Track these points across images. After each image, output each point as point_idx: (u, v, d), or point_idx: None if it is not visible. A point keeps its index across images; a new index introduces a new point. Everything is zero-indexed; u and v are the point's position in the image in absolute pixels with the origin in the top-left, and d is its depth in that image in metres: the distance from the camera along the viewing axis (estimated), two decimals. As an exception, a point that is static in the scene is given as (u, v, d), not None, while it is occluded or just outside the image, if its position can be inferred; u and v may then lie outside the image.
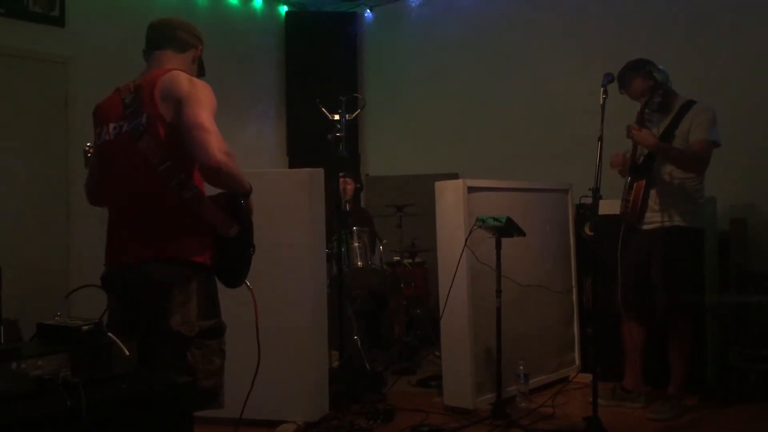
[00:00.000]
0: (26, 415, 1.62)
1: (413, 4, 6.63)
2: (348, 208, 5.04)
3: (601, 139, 3.37)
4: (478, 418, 3.71)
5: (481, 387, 3.89)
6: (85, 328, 1.88)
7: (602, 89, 3.41)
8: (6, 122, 4.81)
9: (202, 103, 2.23)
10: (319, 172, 3.80)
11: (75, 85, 5.12)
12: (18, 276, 4.20)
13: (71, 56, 5.15)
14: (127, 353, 1.89)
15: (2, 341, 1.85)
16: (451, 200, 3.95)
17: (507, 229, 3.66)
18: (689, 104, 3.78)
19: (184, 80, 2.27)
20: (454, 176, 5.07)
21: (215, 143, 2.16)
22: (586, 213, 4.53)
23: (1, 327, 1.86)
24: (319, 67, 6.65)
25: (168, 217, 2.26)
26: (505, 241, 3.75)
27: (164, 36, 2.44)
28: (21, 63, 4.90)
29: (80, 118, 4.73)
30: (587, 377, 4.04)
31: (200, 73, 2.54)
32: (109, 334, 1.90)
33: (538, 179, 4.74)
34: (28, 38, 4.96)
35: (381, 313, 5.23)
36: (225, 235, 2.29)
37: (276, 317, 3.55)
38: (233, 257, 2.34)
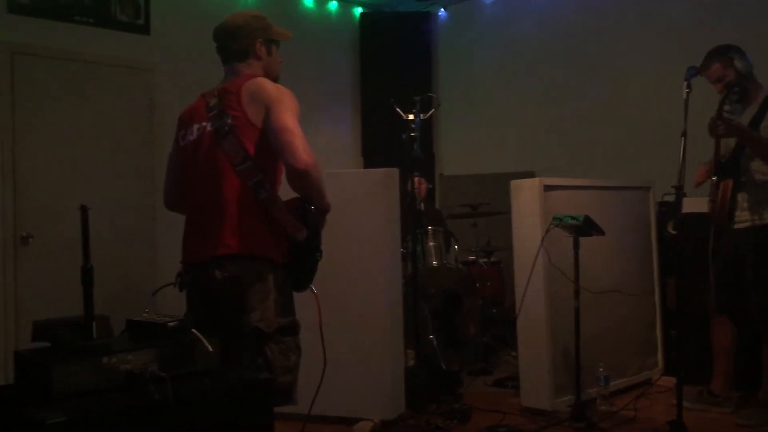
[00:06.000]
0: (117, 408, 1.70)
1: (487, 2, 6.56)
2: (422, 208, 5.04)
3: (684, 134, 3.27)
4: (556, 420, 3.66)
5: (559, 388, 3.82)
6: (171, 324, 1.96)
7: (685, 83, 3.30)
8: (95, 128, 5.02)
9: (289, 108, 2.32)
10: (394, 172, 3.82)
11: (160, 91, 5.29)
12: (109, 274, 4.39)
13: (156, 63, 5.33)
14: (211, 350, 1.96)
15: (95, 336, 1.94)
16: (527, 199, 3.90)
17: (585, 228, 3.59)
18: (774, 95, 3.61)
19: (270, 86, 2.36)
20: (530, 174, 5.00)
21: (302, 146, 2.24)
22: (669, 211, 4.41)
23: (94, 323, 1.95)
24: (393, 67, 6.67)
25: (245, 215, 2.32)
26: (583, 240, 3.67)
27: (223, 51, 2.51)
28: (108, 70, 5.10)
29: (165, 123, 4.90)
30: (671, 380, 3.91)
31: (269, 53, 2.54)
32: (193, 330, 1.98)
33: (618, 177, 4.61)
34: (114, 46, 5.15)
35: (456, 312, 5.20)
36: (294, 239, 2.34)
37: (353, 316, 3.61)
38: (300, 261, 2.40)
